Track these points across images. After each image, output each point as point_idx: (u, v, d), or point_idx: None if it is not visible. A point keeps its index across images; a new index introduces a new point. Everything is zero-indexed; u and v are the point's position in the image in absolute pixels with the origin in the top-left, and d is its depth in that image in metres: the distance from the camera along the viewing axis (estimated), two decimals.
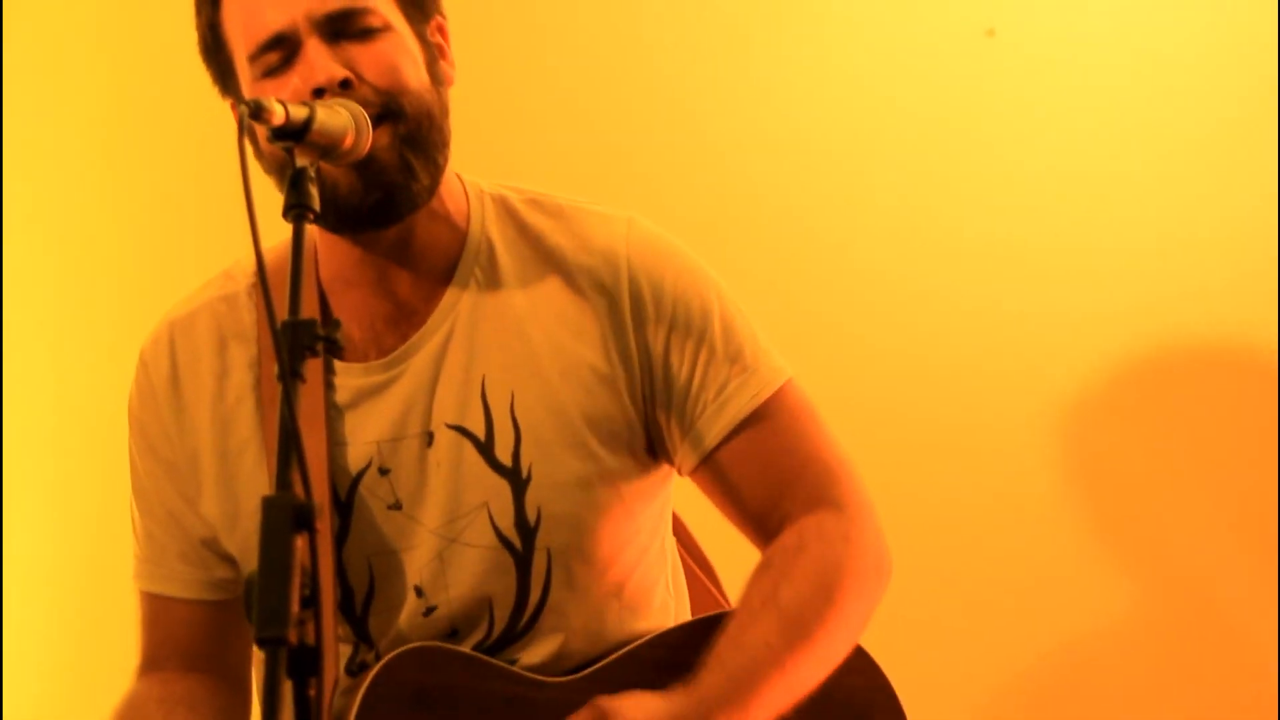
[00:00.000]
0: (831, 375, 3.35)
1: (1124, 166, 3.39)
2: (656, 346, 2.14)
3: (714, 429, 2.14)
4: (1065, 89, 3.42)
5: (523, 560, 2.11)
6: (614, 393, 2.13)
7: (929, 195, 3.44)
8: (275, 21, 2.03)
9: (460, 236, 2.15)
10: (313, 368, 2.09)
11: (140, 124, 3.65)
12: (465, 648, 2.11)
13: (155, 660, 2.19)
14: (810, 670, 2.08)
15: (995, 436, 3.39)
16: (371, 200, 2.03)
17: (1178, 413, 3.37)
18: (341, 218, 2.05)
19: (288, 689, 1.50)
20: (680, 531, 2.37)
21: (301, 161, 1.83)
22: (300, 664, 1.52)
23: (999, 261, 3.41)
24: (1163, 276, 3.36)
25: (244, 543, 2.15)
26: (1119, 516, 3.40)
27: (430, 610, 2.12)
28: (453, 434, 2.11)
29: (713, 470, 2.16)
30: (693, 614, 2.30)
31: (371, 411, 2.12)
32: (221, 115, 2.16)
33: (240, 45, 2.07)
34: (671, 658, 2.13)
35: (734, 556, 2.25)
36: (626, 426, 2.14)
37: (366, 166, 2.01)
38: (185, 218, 3.61)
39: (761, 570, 2.13)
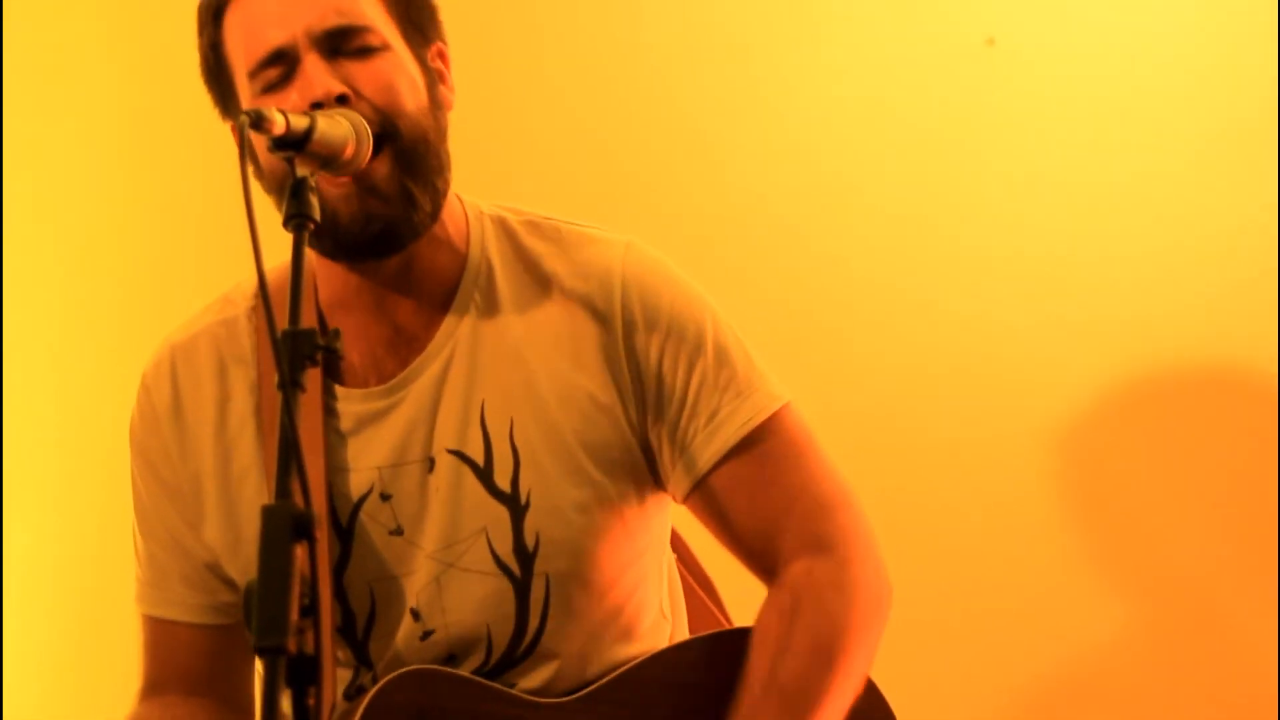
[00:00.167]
0: (830, 386, 3.36)
1: (1123, 177, 3.38)
2: (649, 370, 2.13)
3: (705, 454, 2.13)
4: (1065, 99, 3.41)
5: (521, 586, 2.11)
6: (612, 420, 2.13)
7: (928, 205, 3.43)
8: (275, 37, 2.03)
9: (460, 259, 2.15)
10: (312, 392, 2.09)
11: (142, 128, 3.65)
12: (464, 672, 2.11)
13: (157, 684, 2.19)
14: None
15: (992, 448, 3.38)
16: (373, 231, 2.03)
17: (1176, 426, 3.36)
18: (342, 247, 2.06)
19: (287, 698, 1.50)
20: (680, 548, 2.37)
21: (302, 172, 1.84)
22: (299, 673, 1.51)
23: (998, 272, 3.40)
24: (1162, 288, 3.34)
25: (246, 567, 2.14)
26: (1117, 530, 3.39)
27: (427, 634, 2.12)
28: (453, 459, 2.11)
29: (705, 497, 2.15)
30: (691, 632, 2.29)
31: (373, 437, 2.12)
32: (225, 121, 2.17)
33: (241, 62, 2.07)
34: (668, 677, 2.13)
35: (735, 572, 2.24)
36: (625, 453, 2.13)
37: (367, 196, 2.01)
38: (187, 223, 3.62)
39: (759, 646, 2.10)
